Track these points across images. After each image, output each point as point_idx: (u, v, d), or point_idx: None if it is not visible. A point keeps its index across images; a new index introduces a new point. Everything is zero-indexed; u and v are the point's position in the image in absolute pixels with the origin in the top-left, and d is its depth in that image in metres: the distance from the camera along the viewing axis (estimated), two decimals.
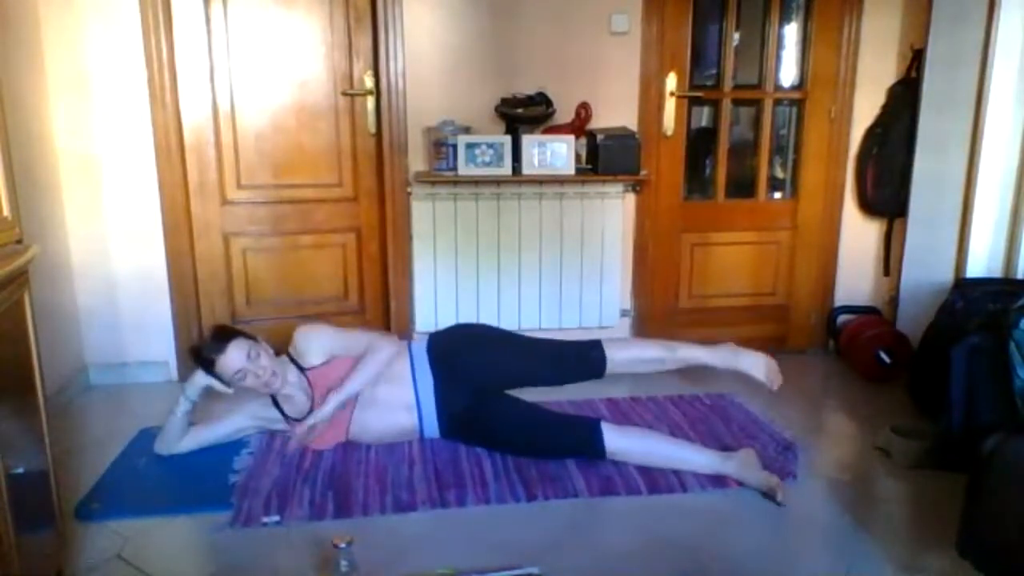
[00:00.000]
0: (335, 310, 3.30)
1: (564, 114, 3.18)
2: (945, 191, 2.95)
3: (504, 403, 2.43)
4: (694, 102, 3.44)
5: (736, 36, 3.37)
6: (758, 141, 3.49)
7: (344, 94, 3.20)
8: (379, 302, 3.38)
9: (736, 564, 1.87)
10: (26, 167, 2.56)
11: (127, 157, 2.95)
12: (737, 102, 3.50)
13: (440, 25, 3.11)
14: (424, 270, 3.24)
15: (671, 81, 3.29)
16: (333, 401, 2.34)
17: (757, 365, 2.40)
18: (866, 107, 3.39)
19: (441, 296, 3.25)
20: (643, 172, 3.22)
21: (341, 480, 2.23)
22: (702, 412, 2.79)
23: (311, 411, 2.40)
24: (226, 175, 3.17)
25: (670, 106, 3.31)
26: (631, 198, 3.38)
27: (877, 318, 3.43)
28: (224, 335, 2.34)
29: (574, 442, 2.33)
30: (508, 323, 3.21)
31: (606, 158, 3.11)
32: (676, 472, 2.26)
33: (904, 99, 3.24)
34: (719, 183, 3.48)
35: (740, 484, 2.20)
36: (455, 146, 3.05)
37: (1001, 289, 2.55)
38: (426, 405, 2.42)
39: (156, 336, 3.10)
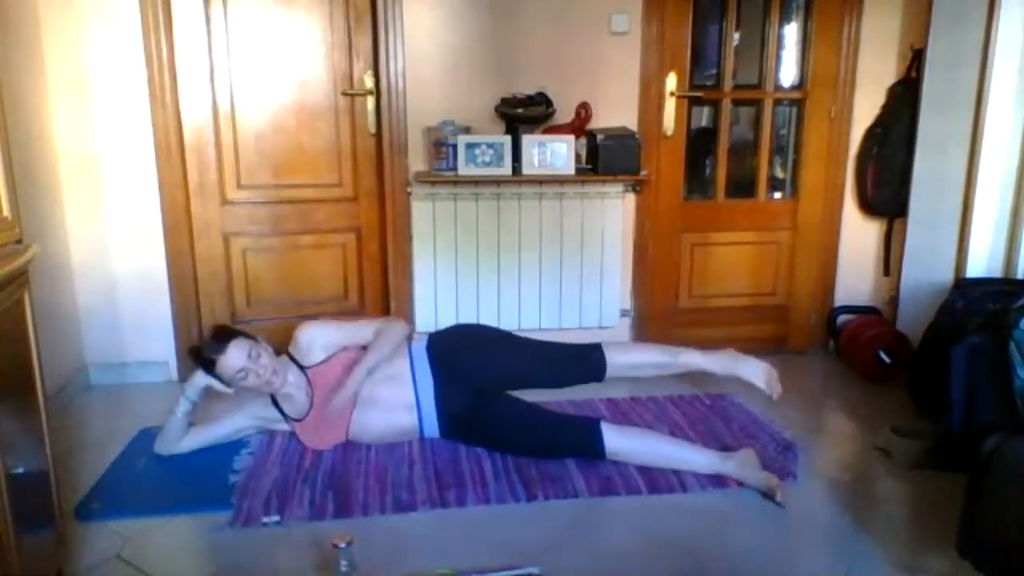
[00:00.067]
0: (335, 310, 3.30)
1: (564, 114, 3.18)
2: (945, 191, 2.95)
3: (504, 403, 2.43)
4: (694, 102, 3.44)
5: (736, 36, 3.37)
6: (758, 141, 3.49)
7: (344, 94, 3.20)
8: (379, 302, 3.38)
9: (736, 564, 1.87)
10: (26, 167, 2.56)
11: (127, 157, 2.95)
12: (737, 102, 3.50)
13: (440, 25, 3.11)
14: (424, 270, 3.24)
15: (671, 81, 3.29)
16: (361, 370, 2.35)
17: (758, 373, 2.40)
18: (866, 107, 3.39)
19: (441, 296, 3.25)
20: (643, 172, 3.22)
21: (341, 480, 2.23)
22: (702, 412, 2.79)
23: (311, 410, 2.40)
24: (226, 175, 3.17)
25: (670, 106, 3.31)
26: (631, 198, 3.38)
27: (877, 318, 3.43)
28: (224, 335, 2.34)
29: (574, 442, 2.33)
30: (508, 323, 3.22)
31: (606, 158, 3.11)
32: (676, 472, 2.26)
33: (904, 99, 3.24)
34: (719, 183, 3.48)
35: (740, 484, 2.20)
36: (455, 146, 3.05)
37: (1001, 289, 2.54)
38: (426, 405, 2.42)
39: (156, 336, 3.10)
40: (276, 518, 2.02)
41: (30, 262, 1.54)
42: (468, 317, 3.24)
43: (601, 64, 3.23)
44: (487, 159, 3.06)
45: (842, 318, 3.51)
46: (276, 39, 3.11)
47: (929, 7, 3.02)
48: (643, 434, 2.40)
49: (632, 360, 2.46)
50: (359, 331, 2.48)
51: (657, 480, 2.23)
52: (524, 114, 3.12)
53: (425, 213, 3.18)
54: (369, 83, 3.18)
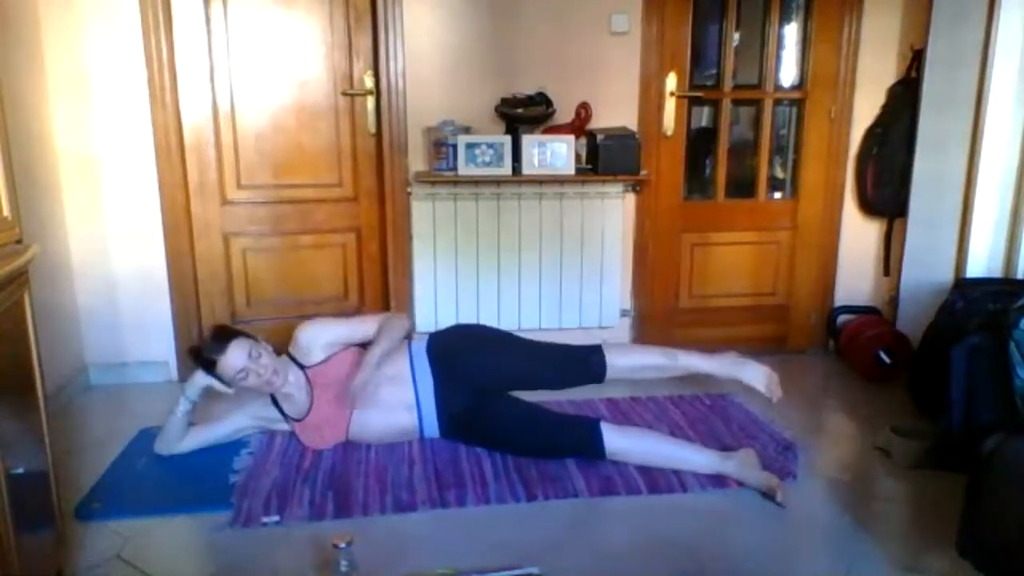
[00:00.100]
0: (335, 310, 3.29)
1: (564, 114, 3.18)
2: (945, 191, 2.95)
3: (504, 403, 2.43)
4: (694, 102, 3.44)
5: (736, 36, 3.36)
6: (758, 141, 3.49)
7: (344, 94, 3.20)
8: (379, 302, 3.38)
9: (736, 564, 1.87)
10: (26, 167, 2.56)
11: (127, 157, 2.95)
12: (737, 102, 3.50)
13: (440, 25, 3.11)
14: (424, 270, 3.24)
15: (671, 81, 3.29)
16: (375, 355, 2.34)
17: (758, 377, 2.40)
18: (866, 107, 3.39)
19: (441, 296, 3.25)
20: (643, 172, 3.21)
21: (341, 480, 2.23)
22: (702, 412, 2.79)
23: (311, 409, 2.40)
24: (226, 175, 3.17)
25: (670, 106, 3.31)
26: (631, 198, 3.38)
27: (877, 318, 3.43)
28: (224, 335, 2.33)
29: (574, 442, 2.33)
30: (508, 323, 3.22)
31: (606, 158, 3.11)
32: (676, 472, 2.26)
33: (904, 99, 3.24)
34: (719, 183, 3.48)
35: (740, 484, 2.20)
36: (455, 146, 3.05)
37: (1001, 289, 2.54)
38: (426, 405, 2.42)
39: (156, 336, 3.10)
40: (276, 518, 2.02)
41: (30, 262, 1.55)
42: (468, 317, 3.24)
43: (601, 64, 3.23)
44: (487, 159, 3.06)
45: (842, 318, 3.51)
46: (276, 39, 3.11)
47: (929, 7, 3.02)
48: (643, 434, 2.40)
49: (632, 363, 2.46)
50: (361, 326, 2.48)
51: (657, 480, 2.23)
52: (524, 114, 3.12)
53: (425, 213, 3.18)
54: (369, 83, 3.18)
